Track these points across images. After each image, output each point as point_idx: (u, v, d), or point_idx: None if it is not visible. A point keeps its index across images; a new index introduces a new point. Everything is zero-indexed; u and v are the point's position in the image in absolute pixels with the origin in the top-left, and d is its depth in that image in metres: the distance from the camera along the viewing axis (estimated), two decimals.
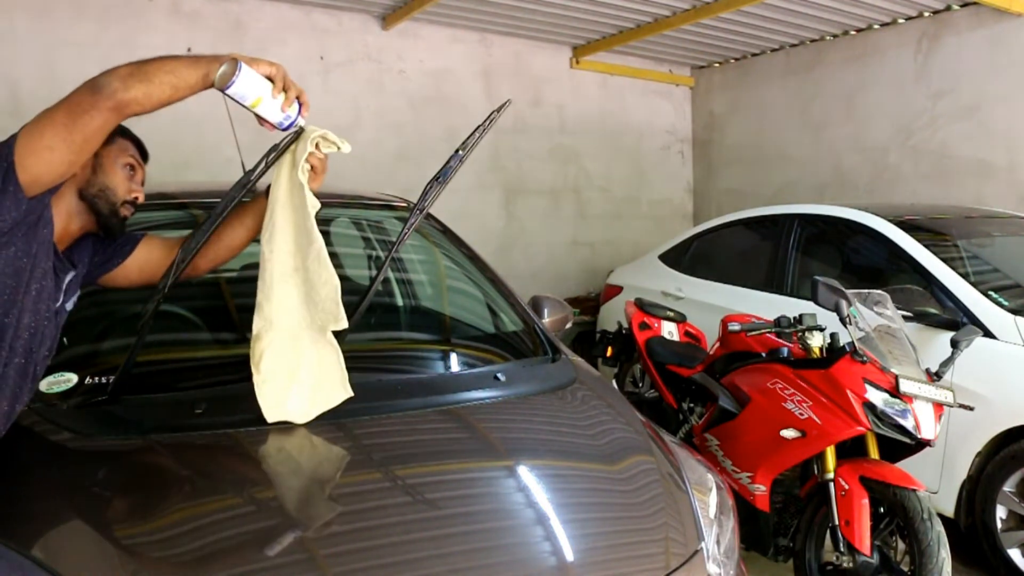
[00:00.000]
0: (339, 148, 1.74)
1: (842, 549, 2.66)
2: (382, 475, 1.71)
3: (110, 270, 1.78)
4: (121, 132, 1.70)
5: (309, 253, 1.74)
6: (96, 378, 1.84)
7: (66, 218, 1.62)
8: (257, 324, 1.77)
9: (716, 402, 3.15)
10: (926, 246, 3.77)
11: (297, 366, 1.78)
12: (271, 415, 1.75)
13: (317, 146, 1.72)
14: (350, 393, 1.83)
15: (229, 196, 1.73)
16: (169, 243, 1.86)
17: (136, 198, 1.72)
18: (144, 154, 1.78)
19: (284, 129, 1.65)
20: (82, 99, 1.42)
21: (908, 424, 2.63)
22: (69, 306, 1.70)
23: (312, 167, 1.75)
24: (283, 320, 1.77)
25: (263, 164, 1.71)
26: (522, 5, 5.97)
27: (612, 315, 5.12)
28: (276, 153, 1.71)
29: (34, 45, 4.93)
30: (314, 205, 1.75)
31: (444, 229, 2.93)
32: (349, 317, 1.93)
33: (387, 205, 3.00)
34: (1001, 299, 3.46)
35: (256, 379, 1.75)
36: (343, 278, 2.93)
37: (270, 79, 1.60)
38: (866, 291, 2.99)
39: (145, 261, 1.81)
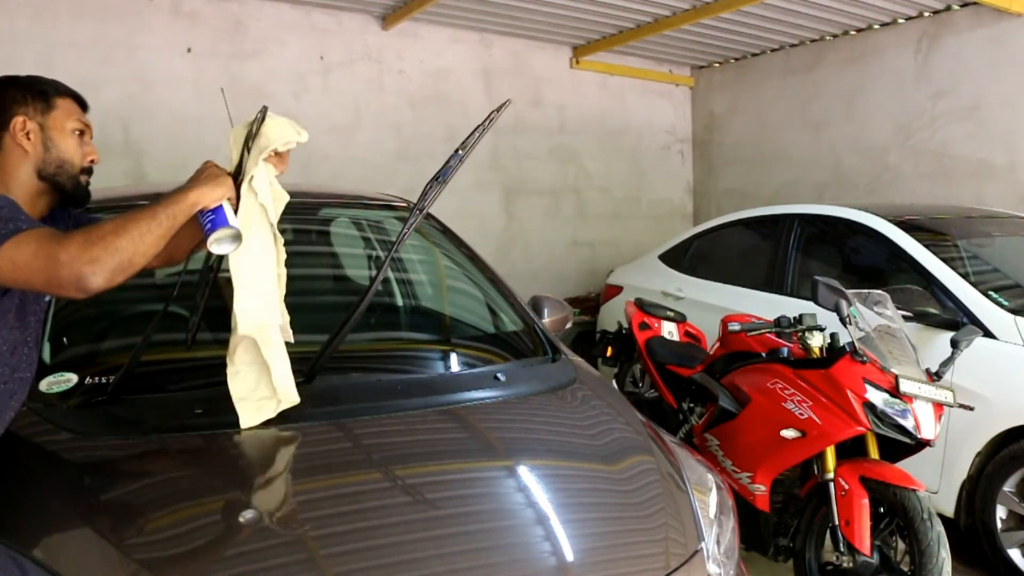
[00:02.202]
0: (299, 138, 1.70)
1: (842, 549, 2.66)
2: (382, 475, 1.71)
3: None
4: (56, 92, 1.62)
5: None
6: (96, 378, 1.83)
7: (30, 202, 1.56)
8: (233, 321, 1.76)
9: (716, 402, 3.15)
10: (926, 246, 3.77)
11: (266, 361, 1.76)
12: (241, 409, 1.74)
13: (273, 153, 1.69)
14: (295, 400, 1.80)
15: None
16: None
17: (92, 161, 1.65)
18: (84, 106, 1.68)
19: (209, 231, 1.57)
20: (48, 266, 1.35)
21: (908, 424, 2.63)
22: (48, 297, 1.67)
23: (276, 153, 1.70)
24: (249, 319, 1.75)
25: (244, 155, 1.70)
26: (522, 5, 5.97)
27: (612, 315, 5.12)
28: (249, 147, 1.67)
29: (34, 45, 4.93)
30: (282, 198, 1.73)
31: (444, 229, 2.93)
32: (349, 317, 1.93)
33: (387, 205, 3.00)
34: (1001, 299, 3.46)
35: (230, 370, 1.74)
36: (343, 278, 2.97)
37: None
38: (866, 291, 2.99)
39: None
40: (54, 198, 1.62)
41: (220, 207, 1.58)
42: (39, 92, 1.60)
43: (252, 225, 1.66)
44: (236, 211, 1.63)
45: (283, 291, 1.79)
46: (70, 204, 1.66)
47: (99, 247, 1.36)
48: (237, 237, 1.57)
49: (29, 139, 1.56)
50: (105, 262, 1.36)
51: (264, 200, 1.67)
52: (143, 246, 1.41)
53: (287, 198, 1.75)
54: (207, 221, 1.57)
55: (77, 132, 1.62)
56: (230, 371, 1.74)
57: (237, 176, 1.66)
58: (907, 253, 3.79)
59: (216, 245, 1.56)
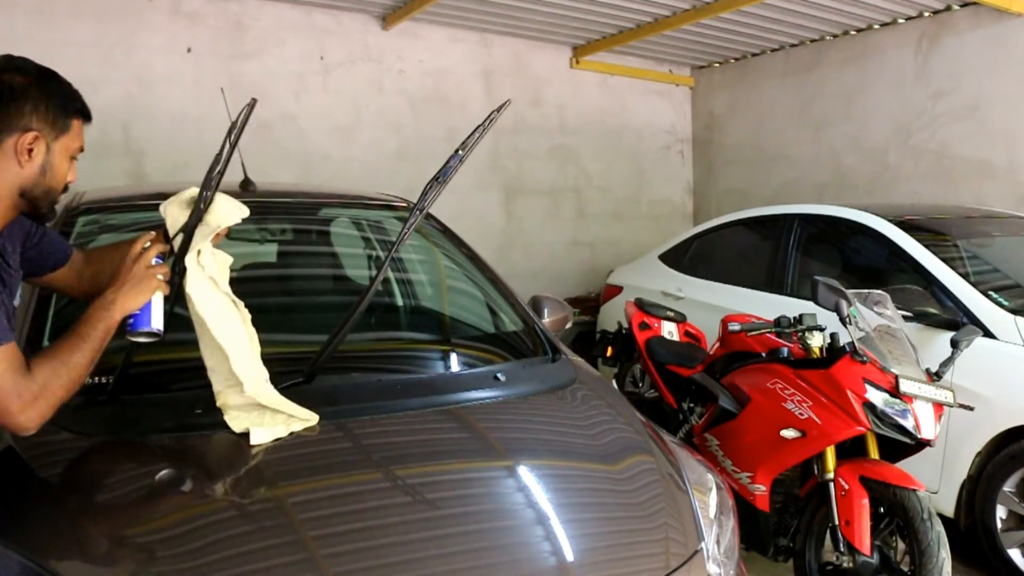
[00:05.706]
0: (243, 213, 1.77)
1: (842, 549, 2.66)
2: (382, 475, 1.71)
3: (37, 275, 1.70)
4: (75, 111, 1.52)
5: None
6: (96, 378, 1.83)
7: (1, 214, 1.47)
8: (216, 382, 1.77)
9: (716, 402, 3.15)
10: (926, 246, 3.77)
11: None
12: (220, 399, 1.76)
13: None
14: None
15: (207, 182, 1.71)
16: (96, 252, 1.80)
17: (70, 182, 1.56)
18: (90, 120, 1.58)
19: (130, 328, 1.60)
20: None
21: (908, 424, 2.63)
22: (16, 302, 1.60)
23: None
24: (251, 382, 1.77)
25: (226, 147, 1.69)
26: (522, 5, 5.97)
27: (612, 315, 5.12)
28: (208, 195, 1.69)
29: (34, 45, 4.92)
30: (225, 261, 1.78)
31: (444, 229, 2.93)
32: (349, 317, 1.94)
33: (387, 205, 3.00)
34: (1001, 299, 3.46)
35: (208, 364, 1.75)
36: (343, 278, 2.97)
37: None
38: (866, 291, 3.00)
39: (75, 279, 1.74)
40: (22, 211, 1.52)
41: (147, 305, 1.61)
42: (60, 107, 1.48)
43: (207, 297, 1.70)
44: (180, 285, 1.66)
45: (257, 349, 1.79)
46: (34, 220, 1.59)
47: (45, 403, 1.44)
48: (156, 335, 1.62)
49: (30, 158, 1.45)
50: (46, 413, 1.46)
51: (211, 272, 1.71)
52: (78, 383, 1.50)
53: (230, 260, 1.79)
54: (130, 317, 1.59)
55: (73, 157, 1.54)
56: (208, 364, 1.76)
57: (182, 246, 1.69)
58: (907, 253, 3.79)
59: (134, 338, 1.62)
